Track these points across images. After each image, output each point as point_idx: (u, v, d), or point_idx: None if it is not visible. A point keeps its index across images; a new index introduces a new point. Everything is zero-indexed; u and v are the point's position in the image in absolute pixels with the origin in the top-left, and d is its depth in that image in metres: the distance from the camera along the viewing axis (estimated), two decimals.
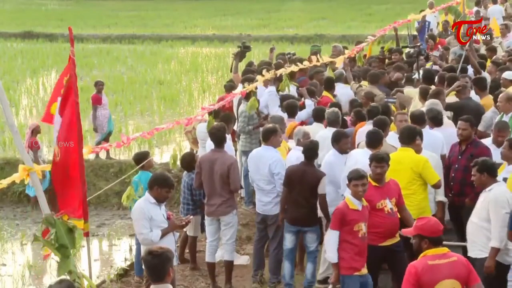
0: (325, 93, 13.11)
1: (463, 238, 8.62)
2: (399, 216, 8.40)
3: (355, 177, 7.88)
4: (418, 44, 15.49)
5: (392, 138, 9.88)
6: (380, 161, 8.27)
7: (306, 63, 13.66)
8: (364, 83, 13.45)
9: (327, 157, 9.59)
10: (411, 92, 12.33)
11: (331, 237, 7.96)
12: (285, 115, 11.65)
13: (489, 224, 7.70)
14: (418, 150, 9.05)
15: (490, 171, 7.81)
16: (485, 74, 13.60)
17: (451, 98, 11.63)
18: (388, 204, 8.23)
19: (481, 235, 7.77)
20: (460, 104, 11.47)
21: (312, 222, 9.23)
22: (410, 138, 9.03)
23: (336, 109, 10.96)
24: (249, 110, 12.16)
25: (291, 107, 11.52)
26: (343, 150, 9.46)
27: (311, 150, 9.21)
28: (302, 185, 9.10)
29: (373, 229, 8.16)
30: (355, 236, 7.86)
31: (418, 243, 6.31)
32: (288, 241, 9.35)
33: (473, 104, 11.41)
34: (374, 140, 9.21)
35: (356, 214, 7.87)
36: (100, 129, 16.00)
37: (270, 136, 9.70)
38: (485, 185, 7.81)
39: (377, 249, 8.22)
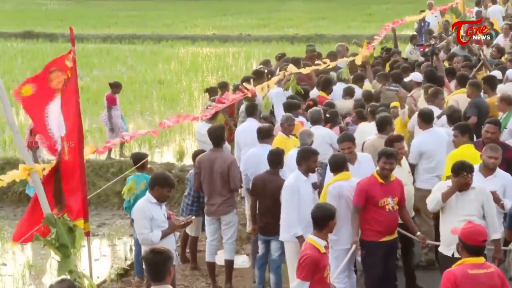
0: (320, 93, 13.13)
1: None
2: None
3: (333, 215, 7.03)
4: (433, 42, 15.45)
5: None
6: (389, 157, 8.24)
7: (317, 64, 13.74)
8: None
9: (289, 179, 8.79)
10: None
11: None
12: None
13: (484, 220, 7.68)
14: None
15: (473, 170, 7.81)
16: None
17: (461, 97, 11.61)
18: (390, 202, 8.24)
19: None
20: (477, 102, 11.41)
21: (276, 231, 9.03)
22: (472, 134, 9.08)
23: (319, 108, 11.01)
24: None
25: (288, 107, 11.49)
26: (310, 169, 8.72)
27: (274, 157, 9.13)
28: (265, 193, 9.09)
29: (372, 226, 8.18)
30: (325, 285, 6.90)
31: (457, 245, 6.29)
32: (259, 248, 9.39)
33: (485, 103, 11.41)
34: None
35: (326, 258, 6.94)
36: (116, 129, 15.76)
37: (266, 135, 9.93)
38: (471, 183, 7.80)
39: (380, 244, 8.23)
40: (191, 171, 10.53)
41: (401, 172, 9.08)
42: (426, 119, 9.91)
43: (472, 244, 6.13)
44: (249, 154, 10.13)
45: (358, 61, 14.44)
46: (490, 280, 6.08)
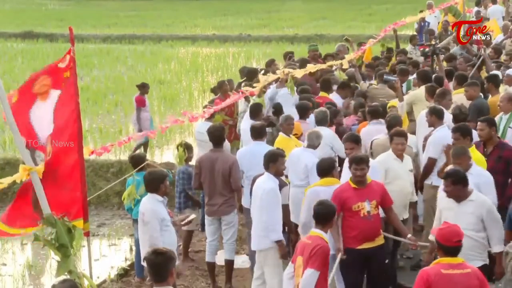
0: (322, 93, 13.11)
1: None
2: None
3: (334, 212, 7.29)
4: (433, 42, 15.42)
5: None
6: (359, 162, 8.08)
7: (311, 66, 13.71)
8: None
9: (261, 183, 8.58)
10: (418, 93, 12.31)
11: (313, 280, 6.98)
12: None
13: (485, 233, 7.44)
14: None
15: (465, 182, 7.42)
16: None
17: (461, 96, 11.60)
18: (366, 207, 8.04)
19: (479, 246, 7.43)
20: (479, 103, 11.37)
21: None
22: (472, 136, 8.94)
23: (324, 108, 10.98)
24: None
25: (302, 109, 11.45)
26: (279, 172, 8.65)
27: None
28: None
29: (348, 232, 8.04)
30: (326, 283, 7.16)
31: (431, 245, 6.26)
32: None
33: (486, 104, 11.35)
34: None
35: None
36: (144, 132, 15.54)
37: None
38: (464, 196, 7.42)
39: (355, 252, 8.03)
40: (179, 168, 10.57)
41: (402, 168, 9.08)
42: (439, 116, 9.93)
43: (446, 245, 6.11)
44: (243, 152, 10.11)
45: (345, 64, 14.46)
46: (466, 280, 6.01)
